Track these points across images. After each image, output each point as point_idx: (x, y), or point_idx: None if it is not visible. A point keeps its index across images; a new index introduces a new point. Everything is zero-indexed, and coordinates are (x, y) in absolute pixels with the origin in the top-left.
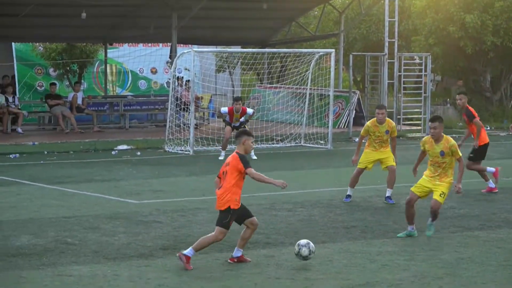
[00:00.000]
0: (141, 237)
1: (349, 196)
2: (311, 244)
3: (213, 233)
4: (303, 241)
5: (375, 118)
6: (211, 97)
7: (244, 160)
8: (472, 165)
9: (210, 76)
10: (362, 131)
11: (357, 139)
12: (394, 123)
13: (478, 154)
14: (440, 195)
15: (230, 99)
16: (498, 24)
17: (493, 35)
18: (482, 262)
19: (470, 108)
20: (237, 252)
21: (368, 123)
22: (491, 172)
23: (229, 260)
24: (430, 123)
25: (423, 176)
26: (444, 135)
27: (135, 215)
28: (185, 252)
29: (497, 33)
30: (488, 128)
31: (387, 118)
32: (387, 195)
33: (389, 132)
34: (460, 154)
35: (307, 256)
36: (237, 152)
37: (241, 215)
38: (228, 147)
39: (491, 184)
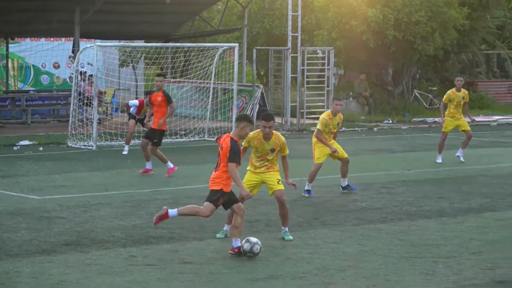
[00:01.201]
0: (43, 233)
1: (309, 191)
2: (259, 242)
3: (202, 206)
4: (253, 239)
5: (329, 111)
6: (114, 91)
7: (233, 153)
8: (156, 150)
9: (113, 71)
10: (320, 126)
11: None
12: (342, 115)
13: (160, 139)
14: (278, 183)
15: (134, 94)
16: (400, 18)
17: (394, 29)
18: (384, 254)
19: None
20: (236, 242)
21: (324, 116)
22: (170, 167)
23: (230, 251)
24: (264, 121)
25: (248, 172)
26: (274, 132)
27: (37, 211)
28: (170, 210)
29: (398, 27)
30: (390, 122)
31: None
32: (344, 184)
33: (339, 124)
34: (288, 152)
35: (258, 253)
36: (231, 138)
37: (230, 199)
38: (132, 141)
39: (149, 166)
